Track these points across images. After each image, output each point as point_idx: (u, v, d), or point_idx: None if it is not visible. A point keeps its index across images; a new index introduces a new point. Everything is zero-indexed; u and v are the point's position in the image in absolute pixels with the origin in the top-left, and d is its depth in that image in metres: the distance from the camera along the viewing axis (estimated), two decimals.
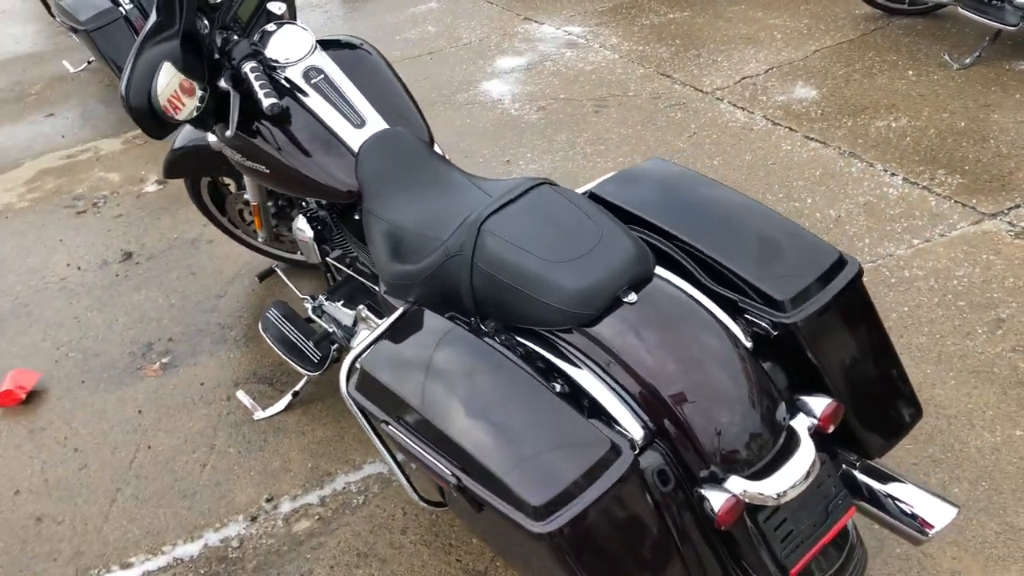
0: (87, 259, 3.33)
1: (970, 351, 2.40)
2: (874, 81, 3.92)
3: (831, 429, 1.53)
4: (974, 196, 3.04)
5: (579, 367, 1.54)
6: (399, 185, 1.93)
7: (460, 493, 1.45)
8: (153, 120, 1.95)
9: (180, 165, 2.67)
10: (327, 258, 2.27)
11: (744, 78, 4.11)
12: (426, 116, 4.11)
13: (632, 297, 1.53)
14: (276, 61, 2.06)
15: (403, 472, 1.77)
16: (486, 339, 1.58)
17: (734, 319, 1.60)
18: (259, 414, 2.46)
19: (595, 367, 1.52)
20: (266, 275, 2.67)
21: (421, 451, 1.49)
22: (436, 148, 2.37)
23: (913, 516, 1.65)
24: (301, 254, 2.73)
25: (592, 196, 1.83)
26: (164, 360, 2.74)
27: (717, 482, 1.44)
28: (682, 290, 1.59)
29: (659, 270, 1.65)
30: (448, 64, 4.71)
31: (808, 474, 1.44)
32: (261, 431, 2.42)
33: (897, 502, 1.67)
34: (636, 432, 1.47)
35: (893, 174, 3.23)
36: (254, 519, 2.17)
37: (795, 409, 1.53)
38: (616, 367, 1.50)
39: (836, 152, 3.42)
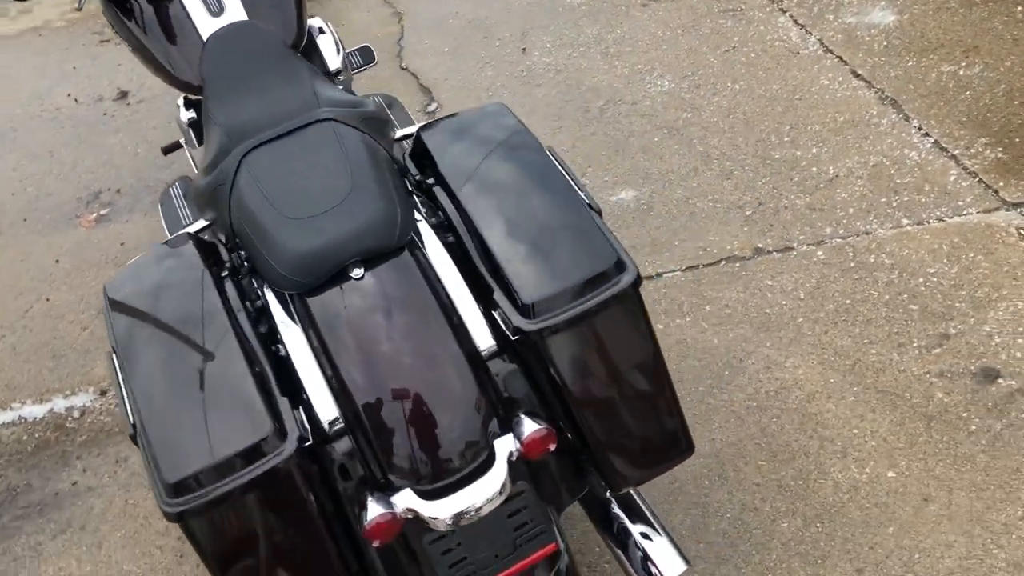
0: (87, 92, 3.38)
1: (890, 366, 2.10)
2: (970, 14, 3.35)
3: (546, 453, 1.36)
4: (1004, 177, 2.60)
5: (296, 337, 1.42)
6: (233, 85, 1.80)
7: (134, 443, 1.40)
8: None
9: None
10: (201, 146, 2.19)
11: None
12: None
13: (358, 272, 1.38)
14: None
15: None
16: (229, 283, 1.50)
17: (487, 313, 1.43)
18: None
19: (308, 340, 1.41)
20: (171, 148, 2.63)
21: (120, 387, 1.44)
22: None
23: (647, 565, 1.50)
24: None
25: (417, 137, 1.66)
26: (102, 212, 2.78)
27: (392, 490, 1.32)
28: (425, 271, 1.42)
29: (432, 239, 1.49)
30: None
31: (485, 503, 1.30)
32: None
33: (638, 545, 1.52)
34: (329, 417, 1.35)
35: (926, 134, 2.79)
36: (103, 393, 2.21)
37: (509, 428, 1.37)
38: (322, 345, 1.38)
39: (876, 96, 2.98)
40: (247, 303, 1.50)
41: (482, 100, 3.19)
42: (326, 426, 1.35)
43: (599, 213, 1.52)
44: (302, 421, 1.35)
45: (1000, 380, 2.04)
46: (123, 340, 1.43)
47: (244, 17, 1.89)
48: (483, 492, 1.30)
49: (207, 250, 1.60)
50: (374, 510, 1.29)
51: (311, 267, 1.37)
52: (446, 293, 1.42)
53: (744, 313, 2.28)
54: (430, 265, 1.45)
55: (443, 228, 1.54)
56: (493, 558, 1.38)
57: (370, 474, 1.35)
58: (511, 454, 1.33)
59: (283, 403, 1.33)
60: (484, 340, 1.40)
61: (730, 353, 2.17)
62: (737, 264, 2.42)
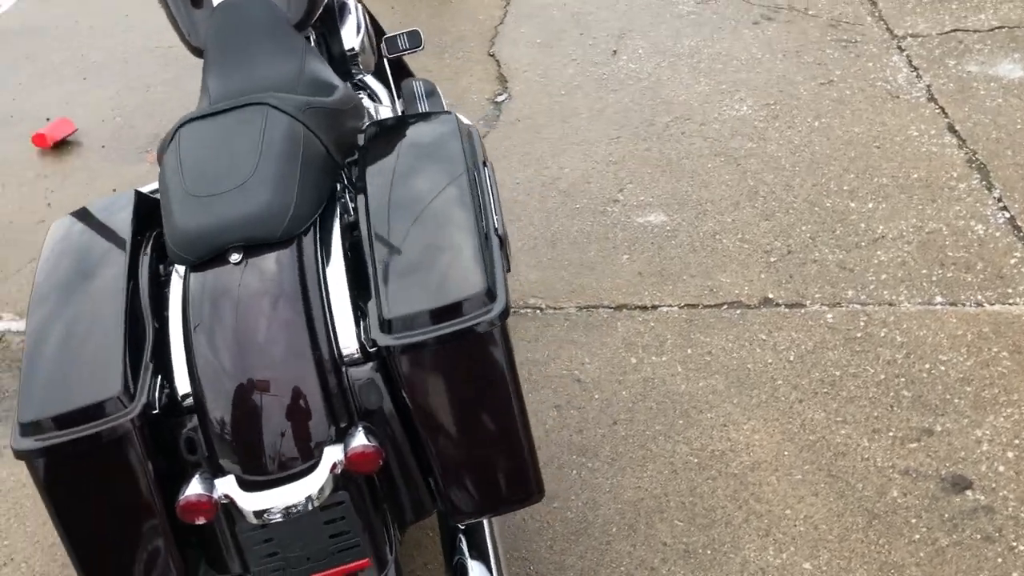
0: None
1: (855, 451, 1.95)
2: None
3: (373, 471, 1.37)
4: None
5: (177, 308, 1.48)
6: (226, 56, 1.87)
7: None
8: None
9: None
10: None
11: (956, 30, 3.31)
12: None
13: (235, 257, 1.42)
14: None
15: None
16: (152, 245, 1.58)
17: (359, 318, 1.44)
18: None
19: (182, 314, 1.47)
20: None
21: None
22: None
23: None
24: None
25: (365, 132, 1.68)
26: None
27: (220, 473, 1.36)
28: (305, 268, 1.44)
29: (336, 238, 1.51)
30: None
31: (295, 506, 1.32)
32: None
33: None
34: (182, 392, 1.41)
35: (1004, 207, 2.54)
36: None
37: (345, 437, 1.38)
38: (186, 321, 1.43)
39: (964, 157, 2.73)
40: (162, 267, 1.57)
41: (554, 98, 3.16)
42: (180, 400, 1.40)
43: (502, 240, 1.49)
44: (157, 390, 1.40)
45: (968, 492, 1.85)
46: (41, 278, 1.53)
47: None
48: (295, 495, 1.32)
49: (150, 209, 1.68)
50: (193, 489, 1.33)
51: (192, 244, 1.42)
52: (323, 293, 1.44)
53: (724, 363, 2.17)
54: (317, 263, 1.46)
55: (357, 228, 1.56)
56: (305, 560, 1.40)
57: (207, 454, 1.40)
58: (335, 465, 1.34)
59: (147, 369, 1.40)
60: (348, 347, 1.41)
61: (692, 402, 2.08)
62: (738, 311, 2.30)
